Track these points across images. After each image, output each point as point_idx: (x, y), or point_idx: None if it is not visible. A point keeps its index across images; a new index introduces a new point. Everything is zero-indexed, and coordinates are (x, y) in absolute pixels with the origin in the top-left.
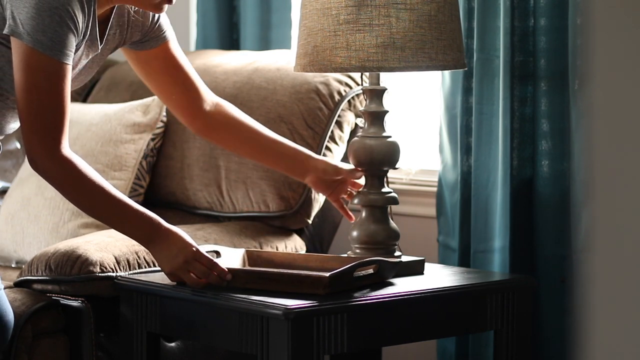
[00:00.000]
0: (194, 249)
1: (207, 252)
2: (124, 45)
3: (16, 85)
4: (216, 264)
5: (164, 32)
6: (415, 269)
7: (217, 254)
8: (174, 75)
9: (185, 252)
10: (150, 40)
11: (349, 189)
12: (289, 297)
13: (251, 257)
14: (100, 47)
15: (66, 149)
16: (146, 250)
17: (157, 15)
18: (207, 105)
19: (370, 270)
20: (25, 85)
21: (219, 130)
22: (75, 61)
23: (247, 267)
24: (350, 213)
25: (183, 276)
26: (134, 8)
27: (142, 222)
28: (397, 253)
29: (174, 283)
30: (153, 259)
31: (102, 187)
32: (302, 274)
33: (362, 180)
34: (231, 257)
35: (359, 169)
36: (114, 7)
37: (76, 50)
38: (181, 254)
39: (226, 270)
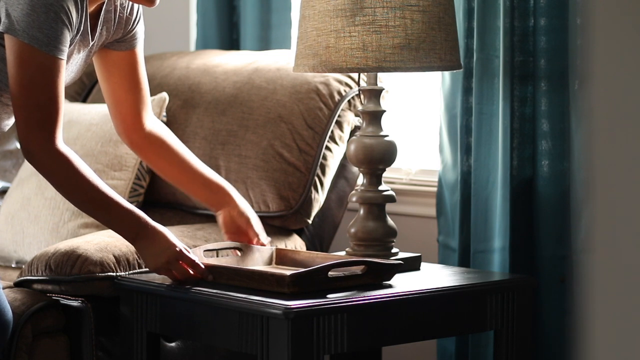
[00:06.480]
0: (177, 249)
1: (223, 249)
2: (108, 41)
3: (11, 81)
4: (198, 265)
5: (138, 38)
6: (413, 265)
7: (240, 250)
8: (133, 82)
9: (168, 253)
10: (125, 41)
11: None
12: (285, 298)
13: (279, 255)
14: (91, 43)
15: (61, 143)
16: None
17: (138, 15)
18: (149, 123)
19: (358, 272)
20: (21, 80)
21: (152, 148)
22: (67, 56)
23: (225, 264)
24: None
25: (165, 275)
26: (123, 3)
27: (129, 219)
28: (395, 250)
29: (174, 283)
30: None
31: (92, 183)
32: (268, 272)
33: (265, 240)
34: (260, 254)
35: (264, 243)
36: (103, 2)
37: (70, 46)
38: (164, 254)
39: (207, 271)
